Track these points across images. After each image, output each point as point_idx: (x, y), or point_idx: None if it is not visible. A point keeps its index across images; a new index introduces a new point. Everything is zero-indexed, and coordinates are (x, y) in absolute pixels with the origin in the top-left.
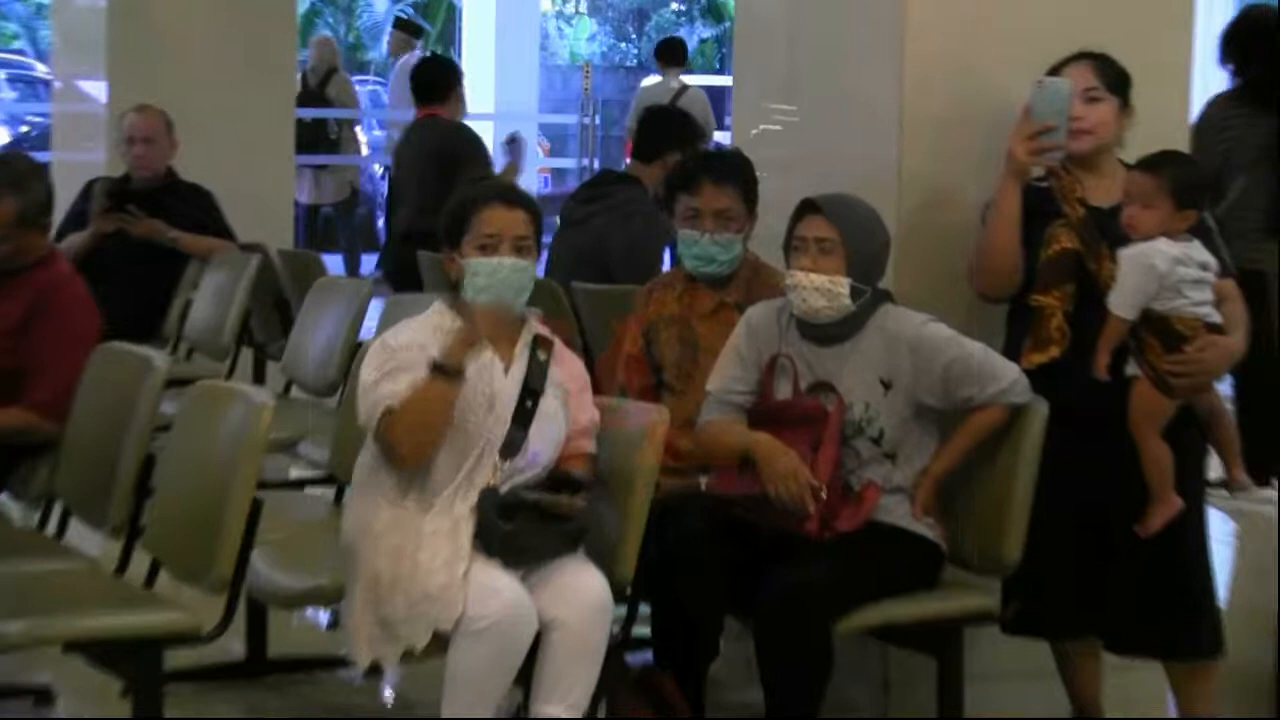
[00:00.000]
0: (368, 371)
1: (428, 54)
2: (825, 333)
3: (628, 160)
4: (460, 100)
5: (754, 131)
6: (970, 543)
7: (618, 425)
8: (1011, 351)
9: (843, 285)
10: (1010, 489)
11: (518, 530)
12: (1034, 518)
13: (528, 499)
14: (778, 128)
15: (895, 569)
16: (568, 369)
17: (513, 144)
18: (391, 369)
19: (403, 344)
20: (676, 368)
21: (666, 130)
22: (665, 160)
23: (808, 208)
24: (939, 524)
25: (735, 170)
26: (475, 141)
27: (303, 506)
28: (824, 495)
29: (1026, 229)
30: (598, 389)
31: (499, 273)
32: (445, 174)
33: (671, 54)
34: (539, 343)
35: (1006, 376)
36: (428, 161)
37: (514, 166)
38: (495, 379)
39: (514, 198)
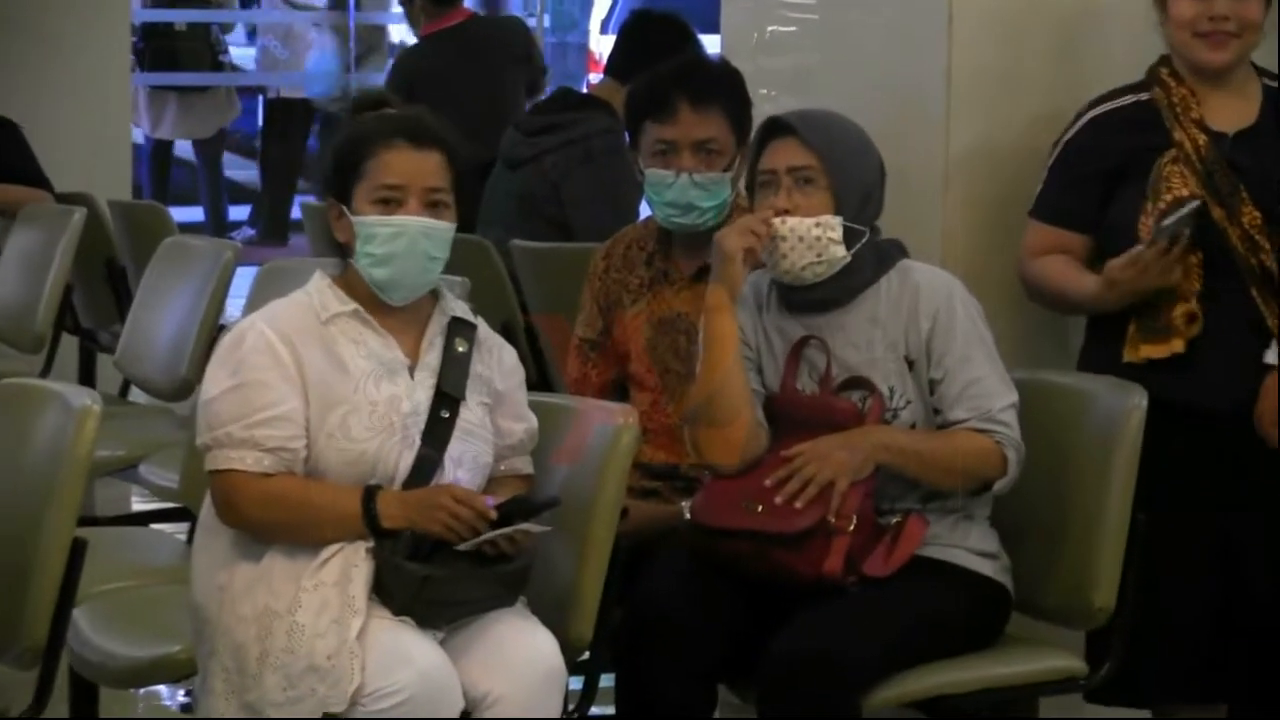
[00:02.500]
0: (213, 378)
1: None
2: (818, 297)
3: (592, 77)
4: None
5: (755, 35)
6: (1047, 584)
7: (570, 434)
8: (1100, 338)
9: (834, 227)
10: (1100, 514)
11: (436, 575)
12: (1135, 551)
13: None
14: (790, 29)
15: (946, 621)
16: (496, 361)
17: None
18: (241, 384)
19: (256, 346)
20: (648, 357)
21: (653, 38)
22: None
23: (774, 129)
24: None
25: (720, 86)
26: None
27: (146, 548)
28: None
29: (1115, 165)
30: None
31: (402, 237)
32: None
33: None
34: (456, 328)
35: (1003, 417)
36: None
37: None
38: (397, 383)
39: (424, 134)
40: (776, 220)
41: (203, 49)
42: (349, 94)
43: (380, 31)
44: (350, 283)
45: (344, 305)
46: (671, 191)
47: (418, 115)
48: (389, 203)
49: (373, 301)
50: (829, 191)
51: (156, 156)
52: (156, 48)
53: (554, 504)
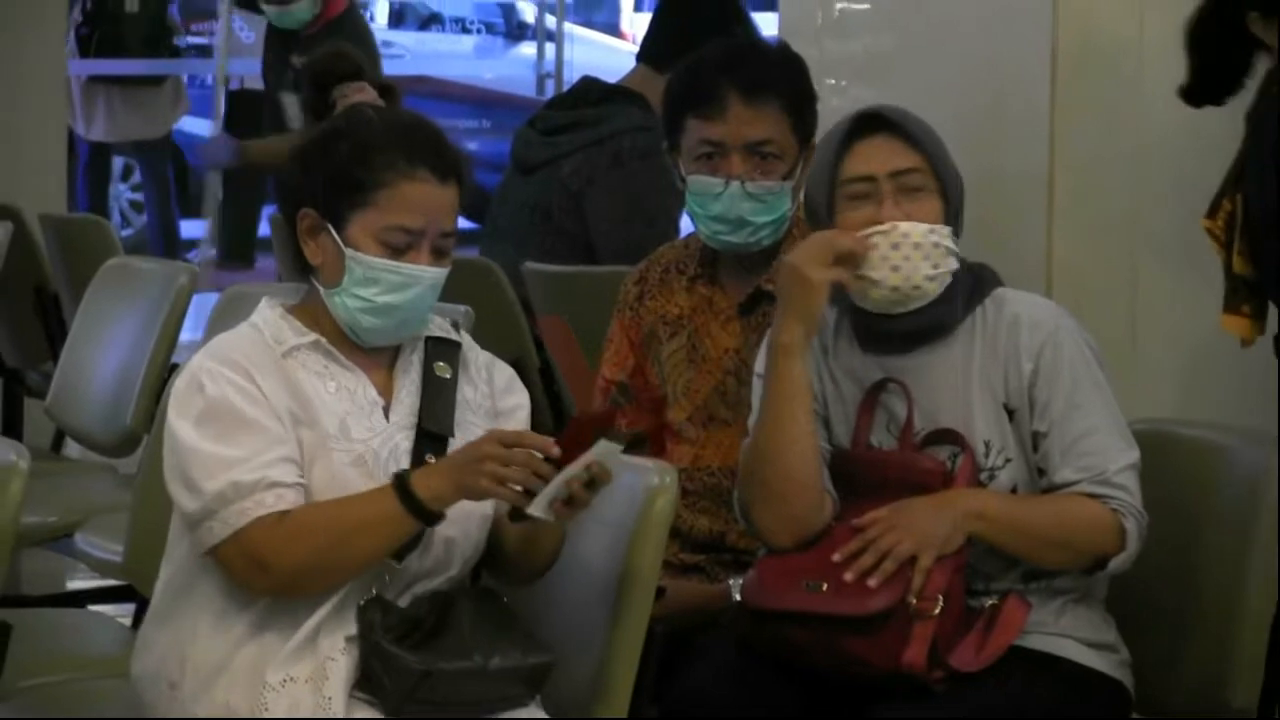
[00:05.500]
0: (181, 429)
1: None
2: (904, 330)
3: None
4: None
5: (820, 15)
6: (1174, 682)
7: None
8: None
9: (946, 236)
10: (1238, 596)
11: (439, 669)
12: None
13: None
14: (861, 6)
15: None
16: (487, 381)
17: None
18: (223, 429)
19: (218, 384)
20: (688, 403)
21: (696, 18)
22: None
23: (867, 124)
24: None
25: (779, 76)
26: None
27: (82, 633)
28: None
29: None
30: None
31: (411, 288)
32: None
33: None
34: (436, 350)
35: (1121, 479)
36: None
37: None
38: (371, 425)
39: (449, 164)
40: (885, 225)
41: (158, 32)
42: None
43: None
44: (313, 315)
45: (302, 336)
46: (719, 203)
47: (438, 135)
48: (398, 249)
49: (336, 333)
50: (939, 198)
51: (96, 162)
52: (104, 33)
53: (612, 416)
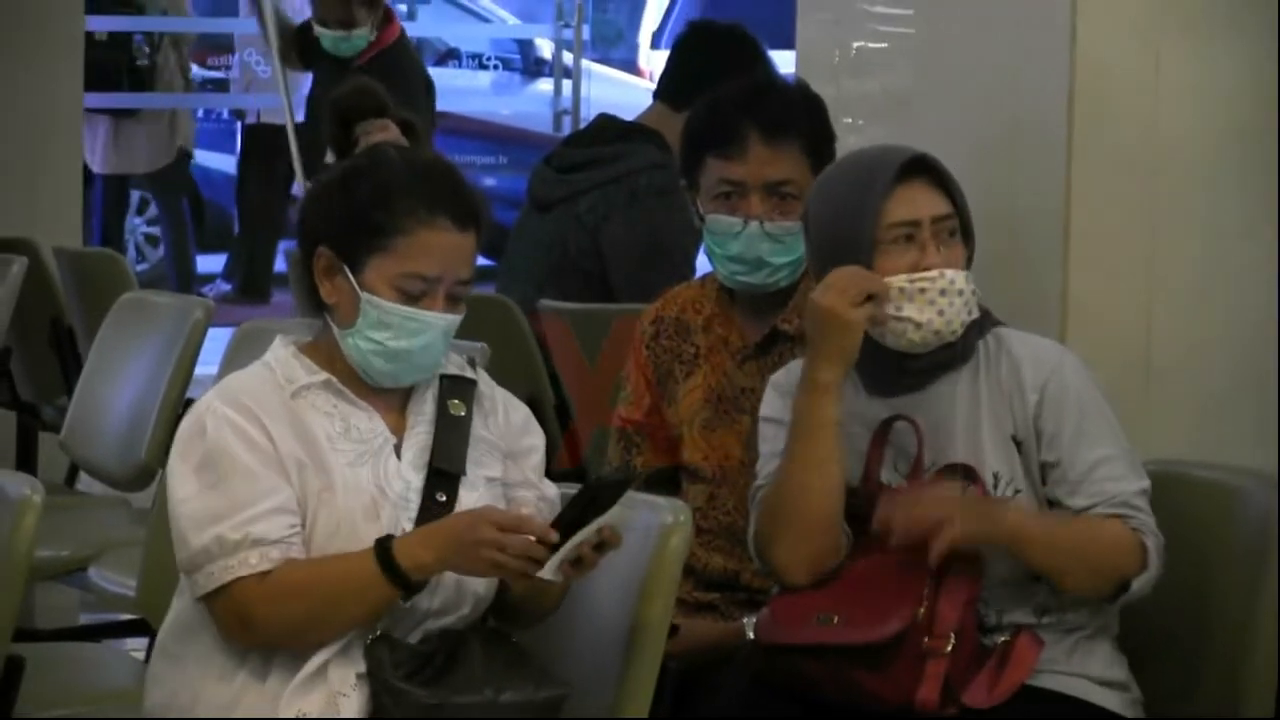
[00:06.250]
0: (179, 477)
1: None
2: (919, 368)
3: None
4: None
5: (837, 53)
6: (1188, 710)
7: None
8: None
9: (969, 280)
10: (1250, 639)
11: (450, 703)
12: None
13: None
14: (880, 45)
15: None
16: (503, 420)
17: None
18: (219, 479)
19: (221, 430)
20: (704, 443)
21: (714, 56)
22: None
23: (911, 169)
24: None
25: (799, 115)
26: None
27: (95, 667)
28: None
29: None
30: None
31: (424, 334)
32: None
33: None
34: (451, 387)
35: (1138, 502)
36: None
37: None
38: (383, 464)
39: (469, 212)
40: (934, 272)
41: (122, 59)
42: None
43: None
44: (325, 353)
45: (313, 375)
46: (738, 243)
47: (459, 181)
48: (414, 296)
49: (348, 372)
50: (964, 246)
51: (112, 195)
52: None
53: (626, 484)
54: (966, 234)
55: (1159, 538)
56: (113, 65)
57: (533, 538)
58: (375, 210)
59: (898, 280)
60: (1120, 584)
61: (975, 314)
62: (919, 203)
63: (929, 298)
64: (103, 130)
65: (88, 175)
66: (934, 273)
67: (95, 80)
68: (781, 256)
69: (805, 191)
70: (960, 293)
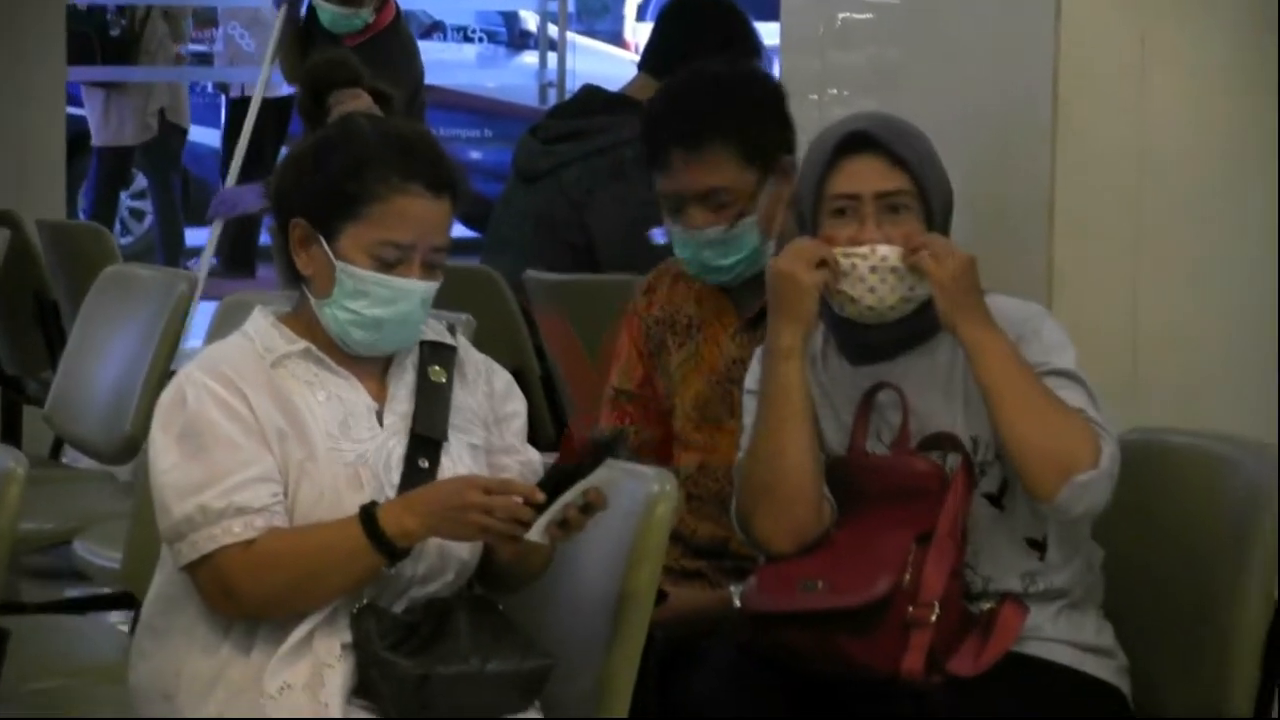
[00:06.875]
0: (161, 447)
1: None
2: (891, 339)
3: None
4: None
5: (822, 26)
6: (1172, 690)
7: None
8: None
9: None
10: (1238, 606)
11: (437, 674)
12: (1277, 653)
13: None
14: (865, 15)
15: None
16: (484, 386)
17: None
18: (201, 447)
19: (203, 400)
20: (696, 414)
21: (699, 27)
22: None
23: (852, 144)
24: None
25: (724, 118)
26: None
27: (80, 640)
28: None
29: None
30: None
31: (400, 302)
32: None
33: None
34: (432, 354)
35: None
36: None
37: None
38: (364, 431)
39: (444, 179)
40: (865, 248)
41: (101, 31)
42: None
43: None
44: (305, 323)
45: (292, 344)
46: (685, 251)
47: (433, 148)
48: (389, 263)
49: (328, 341)
50: (920, 220)
51: (106, 169)
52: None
53: (611, 445)
54: (930, 210)
55: (1117, 458)
56: (95, 38)
57: (519, 499)
58: (348, 179)
59: (835, 253)
60: (1066, 474)
61: (920, 290)
62: (862, 177)
63: (859, 274)
64: (99, 103)
65: (83, 149)
66: (865, 249)
67: (79, 53)
68: (730, 257)
69: (741, 189)
70: (893, 269)
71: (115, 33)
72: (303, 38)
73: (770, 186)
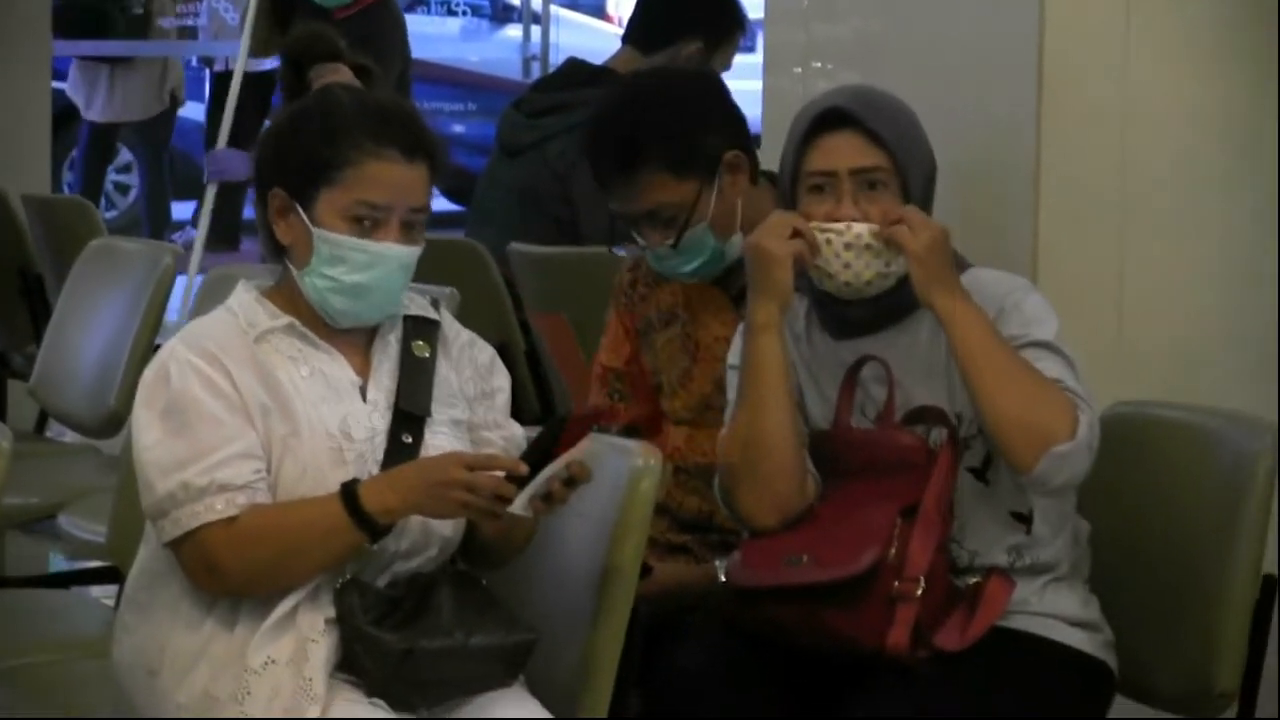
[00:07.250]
0: (144, 424)
1: None
2: (873, 314)
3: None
4: None
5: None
6: (1158, 663)
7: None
8: None
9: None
10: (1225, 579)
11: (420, 648)
12: (1264, 625)
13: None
14: None
15: (1035, 706)
16: (468, 362)
17: None
18: (183, 424)
19: (186, 376)
20: (683, 391)
21: (686, 1)
22: (679, 51)
23: (829, 120)
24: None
25: (651, 135)
26: None
27: (66, 614)
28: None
29: None
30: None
31: (379, 266)
32: None
33: None
34: (415, 329)
35: (1081, 392)
36: None
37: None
38: (348, 407)
39: (418, 143)
40: (840, 225)
41: (113, 10)
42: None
43: None
44: (288, 297)
45: (275, 319)
46: (652, 259)
47: (408, 115)
48: (366, 222)
49: (311, 315)
50: (898, 196)
51: (96, 144)
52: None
53: (594, 417)
54: (909, 186)
55: (1096, 428)
56: (120, 16)
57: (502, 474)
58: (323, 146)
59: (812, 228)
60: (1043, 445)
61: (896, 266)
62: (838, 153)
63: (835, 250)
64: (103, 79)
65: (69, 124)
66: (840, 225)
67: (98, 28)
68: (689, 264)
69: (681, 201)
70: (868, 247)
71: (138, 10)
72: (281, 10)
73: (719, 184)
